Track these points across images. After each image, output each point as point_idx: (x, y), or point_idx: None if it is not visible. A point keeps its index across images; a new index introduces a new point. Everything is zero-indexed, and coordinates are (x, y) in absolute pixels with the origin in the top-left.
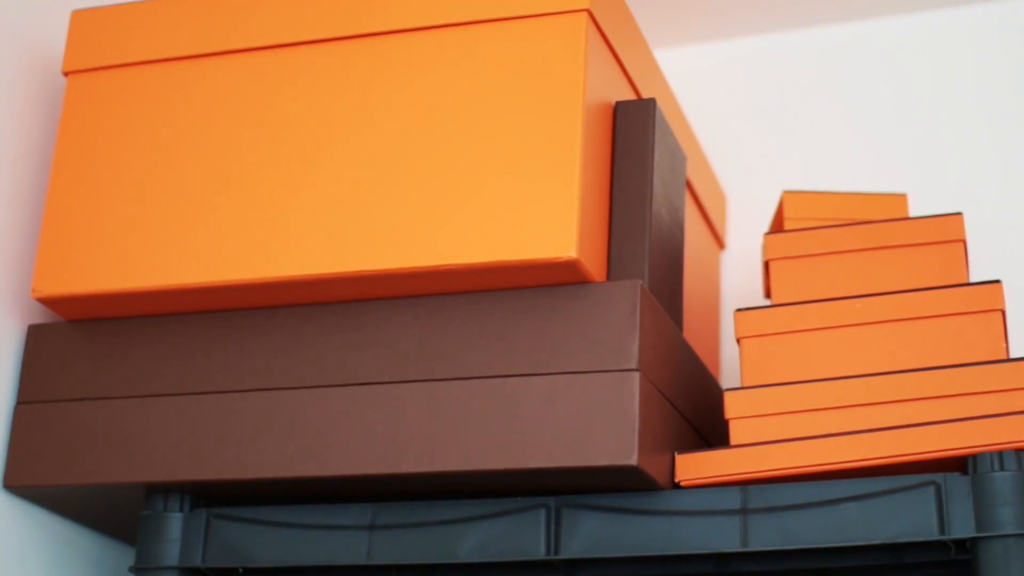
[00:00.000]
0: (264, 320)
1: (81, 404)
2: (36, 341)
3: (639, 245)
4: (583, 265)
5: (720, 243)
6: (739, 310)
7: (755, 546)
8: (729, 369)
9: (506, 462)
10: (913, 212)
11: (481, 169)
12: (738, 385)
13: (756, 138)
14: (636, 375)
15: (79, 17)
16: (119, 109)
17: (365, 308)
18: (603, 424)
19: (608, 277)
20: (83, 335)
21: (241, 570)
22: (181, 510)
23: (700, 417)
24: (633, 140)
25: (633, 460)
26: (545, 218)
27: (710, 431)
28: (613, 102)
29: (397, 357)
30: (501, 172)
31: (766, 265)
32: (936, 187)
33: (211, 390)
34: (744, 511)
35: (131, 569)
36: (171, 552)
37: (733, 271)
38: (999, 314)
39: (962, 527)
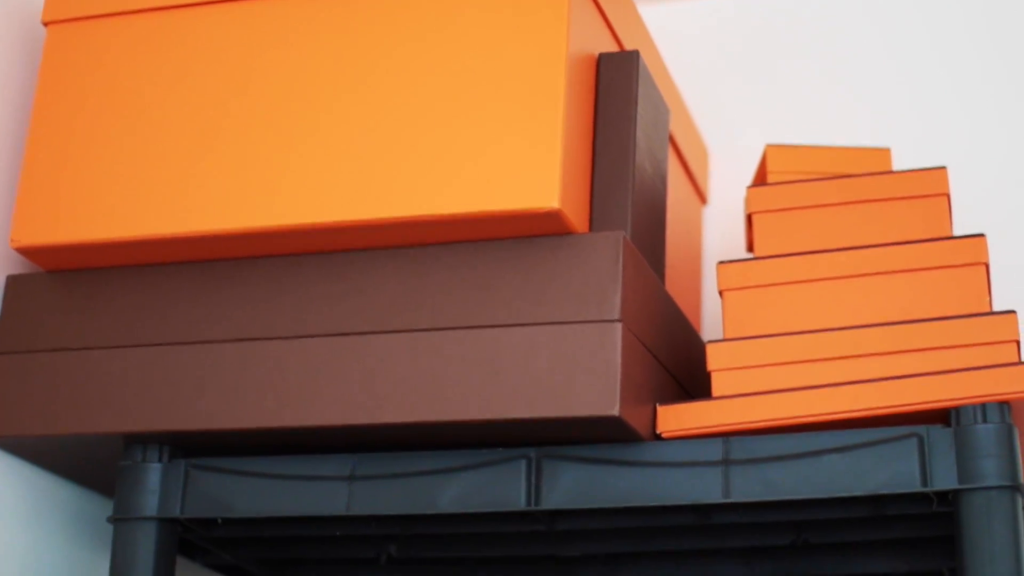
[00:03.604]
0: (244, 270)
1: (60, 354)
2: (15, 291)
3: (622, 197)
4: (565, 216)
5: (702, 198)
6: (722, 262)
7: (737, 497)
8: (711, 326)
9: (487, 412)
10: (897, 167)
11: (464, 119)
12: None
13: (739, 94)
14: (618, 326)
15: None
16: (99, 59)
17: (346, 259)
18: (585, 375)
19: (590, 228)
20: (62, 285)
21: (220, 520)
22: (160, 460)
23: (682, 370)
24: (616, 92)
25: (615, 411)
26: (527, 168)
27: (692, 385)
28: (596, 54)
29: (377, 307)
30: (484, 122)
31: (749, 218)
32: (920, 143)
33: (191, 340)
34: (726, 462)
35: (109, 519)
36: (150, 503)
37: (715, 227)
38: (983, 267)
39: (945, 479)
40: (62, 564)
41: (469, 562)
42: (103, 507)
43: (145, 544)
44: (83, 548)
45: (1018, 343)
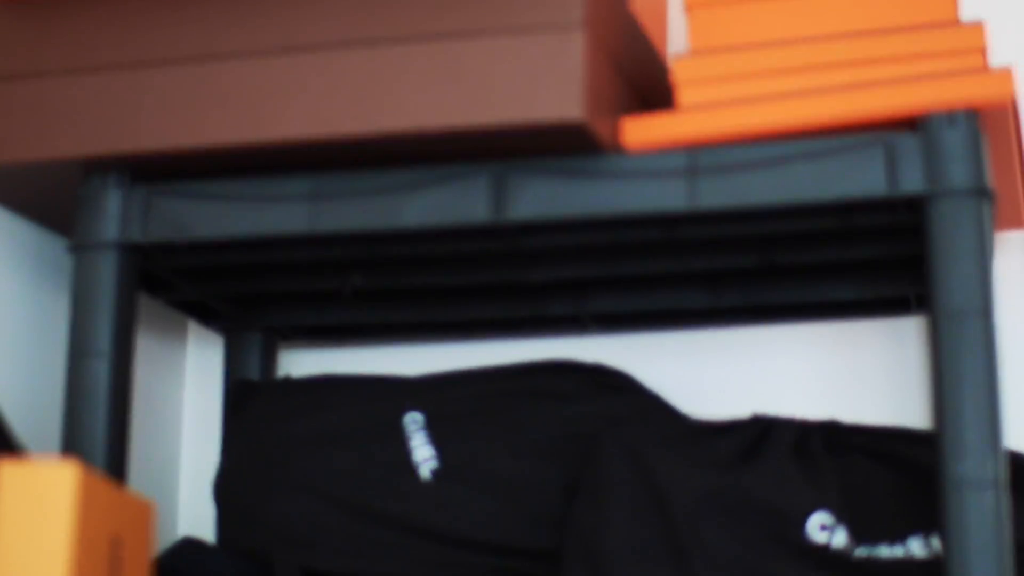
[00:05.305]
0: None
1: (15, 81)
2: None
3: None
4: None
5: None
6: None
7: (703, 206)
8: None
9: (449, 119)
10: None
11: None
12: None
13: None
14: (582, 33)
15: None
16: None
17: None
18: (548, 79)
19: None
20: (14, 15)
21: (182, 245)
22: (120, 187)
23: (646, 90)
24: None
25: (578, 113)
26: None
27: (657, 106)
28: None
29: (336, 21)
30: None
31: None
32: None
33: (147, 62)
34: (692, 172)
35: (69, 248)
36: (110, 228)
37: None
38: None
39: (912, 184)
40: (20, 302)
41: (436, 292)
42: (63, 246)
43: (106, 273)
44: (43, 287)
45: (986, 53)
